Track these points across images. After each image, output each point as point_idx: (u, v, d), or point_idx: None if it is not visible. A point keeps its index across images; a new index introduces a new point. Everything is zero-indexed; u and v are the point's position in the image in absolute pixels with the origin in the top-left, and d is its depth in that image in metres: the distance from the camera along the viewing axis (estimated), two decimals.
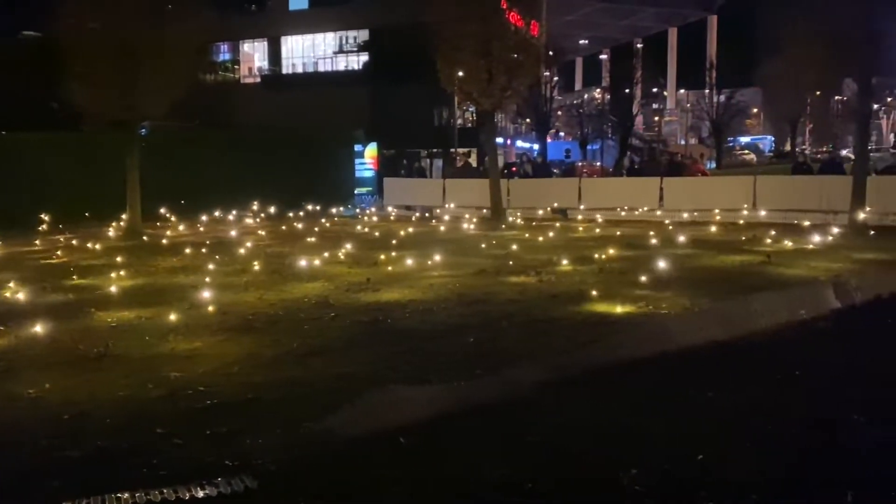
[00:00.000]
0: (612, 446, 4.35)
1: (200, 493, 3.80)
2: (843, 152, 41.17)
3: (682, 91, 74.54)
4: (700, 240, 14.36)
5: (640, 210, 20.07)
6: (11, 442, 4.52)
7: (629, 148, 44.39)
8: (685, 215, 18.65)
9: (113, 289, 9.80)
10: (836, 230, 14.77)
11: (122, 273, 11.16)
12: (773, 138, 66.73)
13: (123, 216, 18.16)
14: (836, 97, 45.32)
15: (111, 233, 17.37)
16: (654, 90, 60.63)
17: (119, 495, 3.75)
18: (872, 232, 13.98)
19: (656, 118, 70.44)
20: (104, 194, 19.19)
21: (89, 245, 14.82)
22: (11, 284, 9.84)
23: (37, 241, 16.25)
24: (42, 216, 18.34)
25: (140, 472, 4.04)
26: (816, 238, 13.61)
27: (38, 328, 7.34)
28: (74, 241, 15.87)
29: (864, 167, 16.87)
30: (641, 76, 52.15)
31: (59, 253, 14.11)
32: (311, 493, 3.76)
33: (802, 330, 7.24)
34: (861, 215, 15.69)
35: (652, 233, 15.19)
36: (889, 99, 65.45)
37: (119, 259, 12.55)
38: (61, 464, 4.17)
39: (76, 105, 16.21)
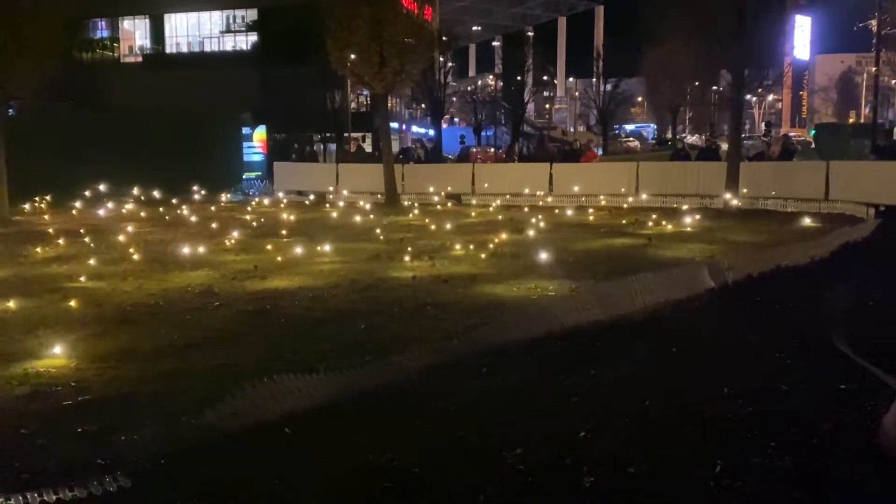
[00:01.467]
0: (498, 427, 4.41)
1: (69, 496, 3.57)
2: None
3: (571, 79, 76.77)
4: (586, 224, 14.83)
5: (532, 195, 20.50)
6: None
7: (522, 135, 45.24)
8: (573, 200, 19.20)
9: None
10: (711, 214, 15.61)
11: None
12: (655, 126, 69.89)
13: None
14: (713, 87, 47.91)
15: None
16: (545, 78, 62.07)
17: None
18: (742, 217, 14.86)
19: (547, 105, 72.20)
20: None
21: None
22: None
23: None
24: None
25: (1, 477, 3.76)
26: (693, 221, 14.33)
27: None
28: None
29: (738, 154, 17.91)
30: (532, 64, 53.20)
31: None
32: (189, 489, 3.61)
33: (680, 308, 7.58)
34: (734, 199, 16.65)
35: (542, 217, 15.55)
36: (760, 90, 69.78)
37: None
38: None
39: None
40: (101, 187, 21.00)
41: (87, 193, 20.40)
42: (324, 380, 5.20)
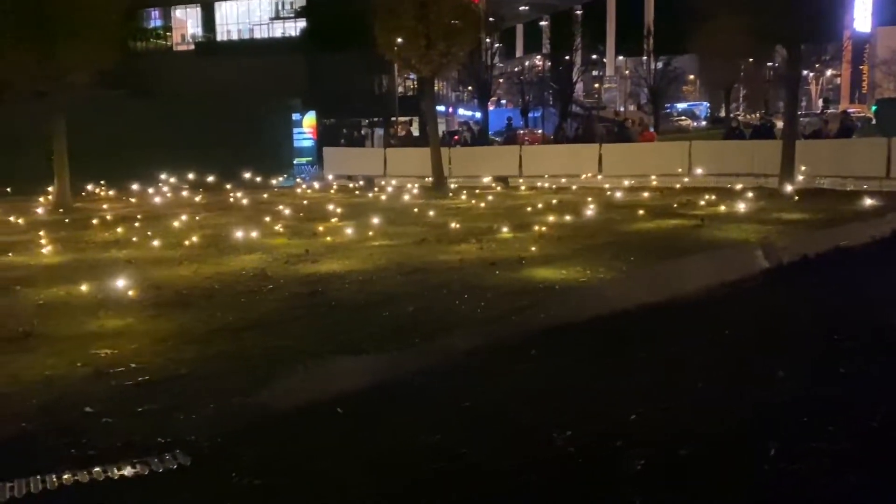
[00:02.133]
0: (546, 409, 4.42)
1: (131, 472, 3.72)
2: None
3: (620, 58, 75.41)
4: (637, 205, 14.61)
5: (582, 177, 20.28)
6: None
7: (570, 115, 44.71)
8: (624, 181, 18.93)
9: (40, 265, 9.44)
10: (766, 193, 15.22)
11: (50, 248, 10.77)
12: (708, 104, 68.22)
13: (50, 189, 17.50)
14: (768, 64, 46.43)
15: (38, 207, 16.71)
16: (594, 57, 61.11)
17: (46, 476, 3.64)
18: (796, 198, 14.44)
19: (596, 85, 71.14)
20: (30, 167, 18.42)
21: (12, 220, 14.23)
22: None
23: None
24: None
25: (70, 453, 3.93)
26: (747, 201, 13.99)
27: None
28: None
29: (794, 132, 17.37)
30: (581, 43, 52.42)
31: None
32: (245, 468, 3.72)
33: (733, 290, 7.45)
34: (790, 178, 16.20)
35: (591, 199, 15.38)
36: (817, 65, 67.46)
37: (47, 234, 12.07)
38: None
39: None
40: (157, 174, 21.50)
41: (144, 180, 20.93)
42: (373, 361, 5.29)
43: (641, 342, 5.68)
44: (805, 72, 35.47)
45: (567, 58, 49.71)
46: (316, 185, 23.07)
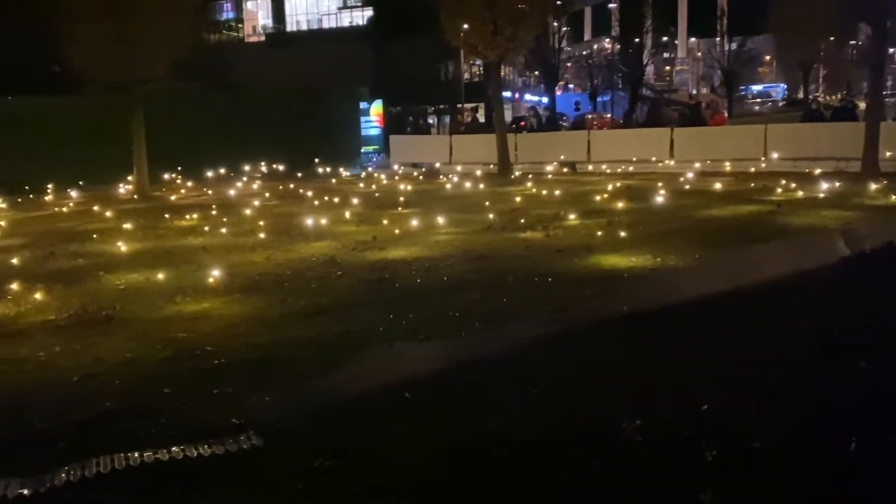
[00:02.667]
0: (615, 398, 4.36)
1: (208, 452, 3.85)
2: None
3: (692, 40, 73.28)
4: (709, 190, 14.22)
5: (652, 161, 19.86)
6: (21, 404, 4.58)
7: (640, 99, 43.76)
8: (696, 166, 18.44)
9: (121, 251, 9.84)
10: (847, 178, 14.57)
11: (129, 236, 11.21)
12: (785, 86, 65.69)
13: (130, 179, 18.19)
14: (851, 42, 44.32)
15: (118, 196, 17.41)
16: (665, 39, 59.56)
17: (128, 455, 3.80)
18: (883, 182, 13.76)
19: (667, 68, 69.39)
20: (111, 157, 19.17)
21: (96, 209, 14.86)
22: (22, 249, 9.90)
23: (45, 206, 16.32)
24: (50, 181, 18.37)
25: (149, 432, 4.09)
26: (827, 186, 13.44)
27: (48, 293, 7.40)
28: (82, 206, 15.91)
29: (878, 113, 16.56)
30: (651, 25, 51.12)
31: (66, 217, 14.16)
32: (317, 448, 3.80)
33: (811, 279, 7.18)
34: (873, 162, 15.46)
35: (661, 184, 15.05)
36: None
37: (126, 222, 12.58)
38: (69, 425, 4.23)
39: (76, 68, 16.10)
40: (230, 163, 22.09)
41: (217, 169, 21.55)
42: (440, 347, 5.32)
43: (713, 332, 5.54)
44: (891, 50, 33.69)
45: (637, 40, 48.62)
46: (382, 173, 23.28)
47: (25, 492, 3.48)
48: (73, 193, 18.04)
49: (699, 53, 69.23)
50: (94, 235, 11.45)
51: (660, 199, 12.94)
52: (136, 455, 3.80)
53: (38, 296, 7.35)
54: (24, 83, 20.92)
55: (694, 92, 60.18)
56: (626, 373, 4.78)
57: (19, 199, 17.07)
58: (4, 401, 4.65)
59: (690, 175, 16.71)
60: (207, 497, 3.44)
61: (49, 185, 18.27)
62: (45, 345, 5.77)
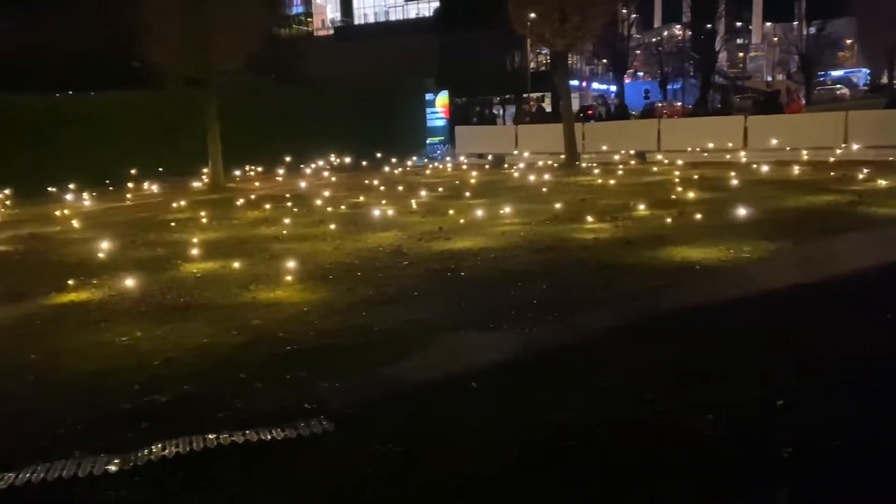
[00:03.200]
0: (684, 392, 4.29)
1: (282, 435, 3.96)
2: None
3: (768, 24, 70.79)
4: (786, 180, 13.75)
5: (725, 150, 19.32)
6: (105, 386, 4.81)
7: (712, 86, 42.57)
8: (772, 155, 17.84)
9: (197, 241, 10.18)
10: None
11: (205, 226, 11.58)
12: (868, 71, 62.79)
13: (205, 171, 18.77)
14: None
15: (194, 187, 17.99)
16: (739, 24, 57.73)
17: (205, 437, 3.94)
18: None
19: (741, 54, 67.31)
20: (187, 150, 19.84)
21: (174, 200, 15.39)
22: (105, 239, 10.34)
23: (125, 197, 17.00)
24: (129, 173, 19.12)
25: (225, 415, 4.24)
26: None
27: (129, 280, 7.72)
28: (160, 197, 16.51)
29: None
30: (725, 10, 49.60)
31: (145, 208, 14.72)
32: (385, 435, 3.86)
33: (894, 272, 6.87)
34: None
35: (734, 174, 14.63)
36: None
37: (202, 212, 12.99)
38: (151, 407, 4.42)
39: (154, 64, 16.70)
40: (300, 155, 22.54)
41: (287, 161, 22.01)
42: (507, 337, 5.33)
43: (790, 326, 5.37)
44: None
45: (709, 26, 47.26)
46: (448, 163, 23.35)
47: (112, 468, 3.66)
48: (152, 185, 18.73)
49: (775, 38, 66.83)
50: (172, 225, 11.88)
51: (733, 189, 12.59)
52: (213, 437, 3.94)
53: (120, 283, 7.67)
54: (106, 80, 21.79)
55: (769, 79, 58.18)
56: (697, 366, 4.68)
57: (101, 191, 17.82)
58: (91, 382, 4.88)
59: (766, 164, 16.18)
60: (281, 479, 3.54)
61: (128, 178, 19.01)
62: (128, 330, 6.02)
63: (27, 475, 3.61)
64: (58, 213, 14.28)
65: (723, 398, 4.13)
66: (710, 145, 19.74)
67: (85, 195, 17.04)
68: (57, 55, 30.77)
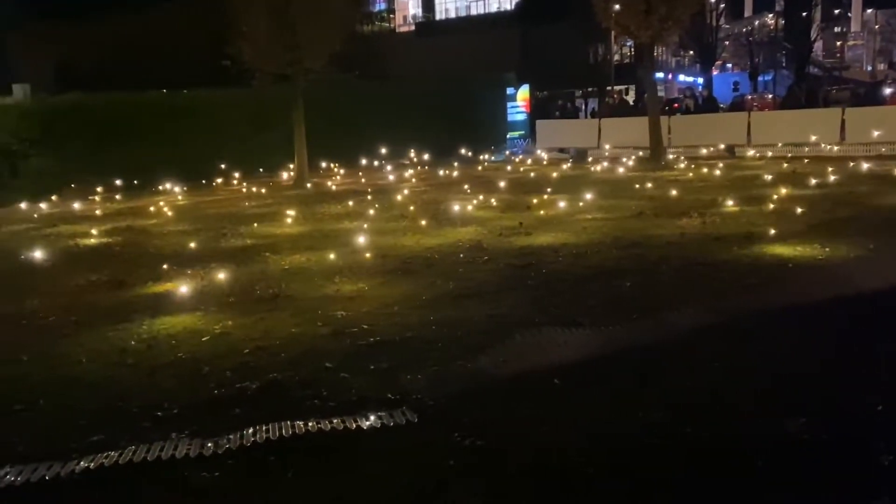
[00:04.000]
0: (776, 394, 4.14)
1: (366, 424, 4.04)
2: None
3: (868, 11, 67.11)
4: (888, 175, 13.04)
5: (820, 145, 18.48)
6: (199, 372, 5.01)
7: (805, 77, 40.77)
8: (871, 149, 16.96)
9: (284, 234, 10.47)
10: None
11: (291, 219, 11.90)
12: None
13: (291, 166, 19.28)
14: None
15: (280, 182, 18.50)
16: (836, 12, 55.01)
17: (294, 423, 4.06)
18: None
19: (838, 43, 64.16)
20: (273, 146, 20.43)
21: (261, 194, 15.88)
22: (197, 232, 10.79)
23: (215, 191, 17.65)
24: (218, 168, 19.84)
25: (312, 403, 4.36)
26: None
27: (221, 270, 8.02)
28: (248, 191, 17.06)
29: None
30: None
31: (234, 202, 15.24)
32: (466, 428, 3.88)
33: None
34: None
35: (831, 169, 13.98)
36: None
37: (288, 206, 13.35)
38: (242, 393, 4.58)
39: (244, 62, 17.26)
40: (382, 151, 22.87)
41: (370, 156, 22.37)
42: (590, 335, 5.26)
43: (891, 328, 5.10)
44: None
45: (804, 14, 45.23)
46: (528, 158, 23.20)
47: (205, 452, 3.82)
48: (239, 179, 19.39)
49: (876, 26, 63.31)
50: (260, 218, 12.26)
51: (829, 184, 12.04)
52: (301, 424, 4.06)
53: (212, 274, 7.98)
54: (197, 77, 22.63)
55: (869, 69, 55.26)
56: (790, 368, 4.51)
57: (193, 185, 18.55)
58: (186, 368, 5.10)
59: (865, 159, 15.38)
60: (365, 468, 3.61)
61: (218, 172, 19.72)
62: (220, 319, 6.26)
63: (129, 455, 3.81)
64: (153, 206, 14.96)
65: (817, 401, 3.97)
66: (805, 139, 18.92)
67: (178, 188, 17.79)
68: (153, 54, 32.21)
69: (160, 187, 17.86)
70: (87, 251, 10.15)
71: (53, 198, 16.81)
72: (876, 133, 17.73)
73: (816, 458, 3.40)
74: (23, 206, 16.02)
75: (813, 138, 18.69)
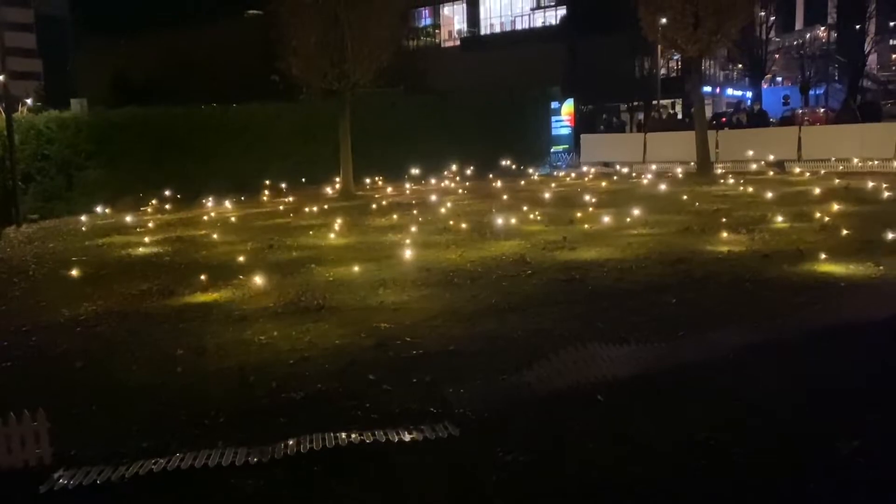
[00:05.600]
0: (829, 414, 4.03)
1: (408, 437, 4.05)
2: None
3: None
4: None
5: (875, 161, 18.01)
6: (245, 382, 5.09)
7: (860, 91, 39.77)
8: None
9: (329, 246, 10.59)
10: None
11: (337, 231, 12.03)
12: None
13: (337, 179, 19.50)
14: None
15: (326, 194, 18.73)
16: (892, 24, 53.61)
17: (338, 434, 4.10)
18: None
19: (894, 56, 62.49)
20: (320, 159, 20.70)
21: (308, 206, 16.09)
22: (245, 242, 10.98)
23: (262, 203, 17.94)
24: (266, 180, 20.18)
25: (356, 414, 4.40)
26: None
27: (267, 281, 8.15)
28: (295, 203, 17.31)
29: None
30: (876, 9, 46.21)
31: (281, 214, 15.48)
32: (510, 442, 3.87)
33: None
34: None
35: (886, 186, 13.59)
36: None
37: (334, 219, 13.50)
38: (287, 403, 4.64)
39: (293, 77, 17.57)
40: (426, 164, 22.98)
41: (415, 169, 22.52)
42: (635, 351, 5.20)
43: None
44: None
45: (858, 26, 44.18)
46: (573, 172, 23.07)
47: (252, 460, 3.87)
48: (286, 192, 19.69)
49: None
50: (306, 230, 12.43)
51: (882, 201, 11.71)
52: (344, 435, 4.09)
53: (259, 284, 8.10)
54: (248, 92, 23.08)
55: None
56: (841, 387, 4.39)
57: (241, 197, 18.90)
58: (233, 377, 5.19)
59: None
60: (407, 480, 3.62)
61: (266, 184, 20.06)
62: (266, 329, 6.36)
63: (177, 462, 3.88)
64: (203, 217, 15.27)
65: (871, 423, 3.85)
66: (858, 155, 18.45)
67: (227, 200, 18.15)
68: (206, 69, 32.97)
69: (210, 199, 18.26)
70: (138, 261, 10.41)
71: (107, 209, 17.29)
72: None
73: (867, 481, 3.30)
74: (78, 217, 16.51)
75: (868, 155, 18.22)
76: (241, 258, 9.94)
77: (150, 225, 14.64)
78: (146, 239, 12.41)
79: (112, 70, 36.38)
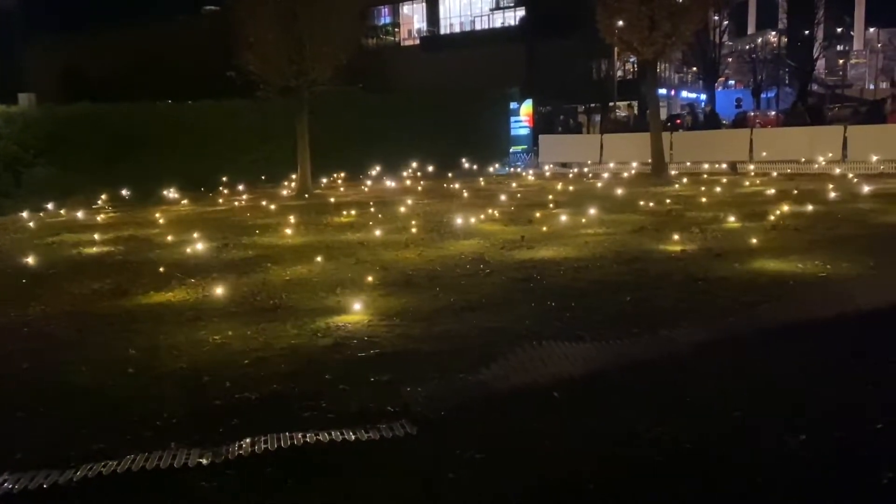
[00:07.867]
0: (775, 409, 4.14)
1: (364, 436, 4.04)
2: None
3: (871, 30, 67.42)
4: (890, 193, 13.05)
5: (822, 163, 18.53)
6: (199, 382, 5.01)
7: (809, 95, 40.85)
8: (872, 168, 17.00)
9: (286, 245, 10.48)
10: None
11: (294, 230, 11.92)
12: None
13: (293, 177, 19.33)
14: None
15: (283, 193, 18.54)
16: (839, 30, 55.23)
17: (293, 434, 4.06)
18: None
19: (840, 61, 64.39)
20: (278, 157, 20.49)
21: (264, 205, 15.92)
22: (200, 241, 10.81)
23: (218, 201, 17.69)
24: (221, 178, 19.89)
25: (312, 415, 4.35)
26: None
27: (222, 281, 8.03)
28: (251, 202, 17.10)
29: None
30: (824, 15, 47.54)
31: (237, 212, 15.28)
32: (466, 441, 3.88)
33: None
34: None
35: (832, 187, 14.00)
36: None
37: (291, 218, 13.38)
38: (242, 403, 4.58)
39: (250, 74, 17.35)
40: (384, 163, 22.93)
41: (372, 168, 22.44)
42: (591, 349, 5.26)
43: (889, 348, 5.10)
44: None
45: (807, 32, 45.40)
46: (531, 172, 23.25)
47: (205, 461, 3.81)
48: (243, 190, 19.44)
49: (879, 45, 63.59)
50: (262, 229, 12.29)
51: (830, 202, 12.06)
52: (300, 435, 4.05)
53: (214, 284, 7.98)
54: (203, 89, 22.71)
55: (871, 87, 55.42)
56: (788, 384, 4.50)
57: (195, 195, 18.60)
58: (185, 378, 5.10)
59: (867, 177, 15.41)
60: (364, 479, 3.60)
61: (221, 182, 19.78)
62: (220, 329, 6.26)
63: (128, 464, 3.80)
64: (156, 215, 14.99)
65: (818, 419, 3.96)
66: (807, 156, 18.98)
67: (181, 199, 17.84)
68: (160, 66, 32.38)
69: (164, 197, 17.91)
70: (89, 260, 10.17)
71: (58, 207, 16.85)
72: (877, 153, 17.77)
73: (816, 476, 3.40)
74: (26, 214, 16.06)
75: (816, 157, 18.74)
76: (196, 257, 9.78)
77: (102, 223, 14.31)
78: (98, 237, 12.12)
79: (62, 66, 35.51)
